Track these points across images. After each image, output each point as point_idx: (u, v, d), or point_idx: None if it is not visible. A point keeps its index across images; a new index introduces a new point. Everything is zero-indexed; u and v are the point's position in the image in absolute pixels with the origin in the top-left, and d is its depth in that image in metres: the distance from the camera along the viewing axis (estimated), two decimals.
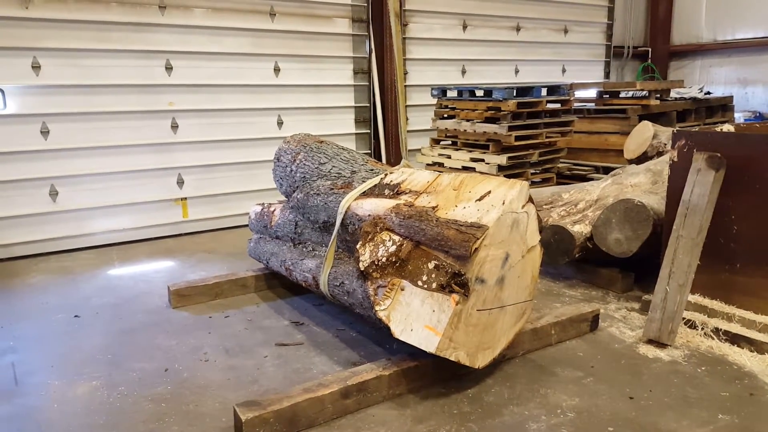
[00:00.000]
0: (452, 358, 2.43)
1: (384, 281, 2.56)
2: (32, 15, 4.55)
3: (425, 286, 2.43)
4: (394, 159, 6.47)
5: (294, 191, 3.57)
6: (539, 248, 2.73)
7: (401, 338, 2.46)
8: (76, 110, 4.83)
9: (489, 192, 2.53)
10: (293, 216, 3.50)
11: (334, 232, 3.02)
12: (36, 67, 4.64)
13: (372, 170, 3.28)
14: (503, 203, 2.45)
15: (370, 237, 2.66)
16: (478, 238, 2.33)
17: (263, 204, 3.94)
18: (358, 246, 2.67)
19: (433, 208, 2.60)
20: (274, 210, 3.76)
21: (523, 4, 7.53)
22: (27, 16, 4.53)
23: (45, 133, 4.74)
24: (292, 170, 3.60)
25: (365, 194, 3.00)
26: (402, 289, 2.50)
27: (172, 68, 5.20)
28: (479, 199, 2.52)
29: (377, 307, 2.53)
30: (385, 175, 3.09)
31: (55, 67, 4.71)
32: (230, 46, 5.45)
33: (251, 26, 5.53)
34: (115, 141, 5.02)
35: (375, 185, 3.04)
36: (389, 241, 2.60)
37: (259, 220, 3.88)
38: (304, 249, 3.40)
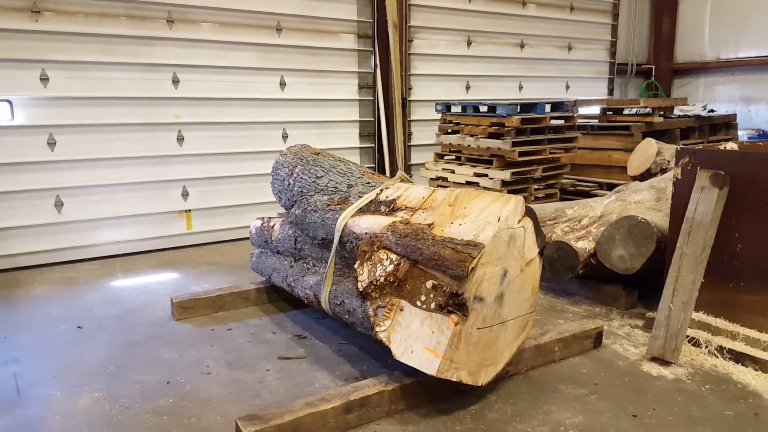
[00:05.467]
0: (454, 379, 2.41)
1: (383, 301, 2.55)
2: (42, 28, 4.61)
3: (424, 306, 2.42)
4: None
5: (293, 205, 3.57)
6: (538, 260, 2.72)
7: (402, 360, 2.45)
8: (83, 122, 4.87)
9: (484, 208, 2.52)
10: (292, 231, 3.50)
11: (332, 251, 3.01)
12: (44, 79, 4.69)
13: (368, 183, 3.27)
14: (498, 219, 2.44)
15: (367, 256, 2.65)
16: (474, 258, 2.32)
17: (263, 218, 3.94)
18: (356, 266, 2.66)
19: (429, 225, 2.58)
20: (274, 225, 3.75)
21: (528, 21, 7.59)
22: (36, 29, 4.59)
23: (52, 144, 4.78)
24: (289, 184, 3.60)
25: (362, 210, 2.99)
26: (401, 310, 2.49)
27: (178, 81, 5.25)
28: (475, 216, 2.51)
29: (377, 328, 2.53)
30: (381, 190, 3.07)
31: (63, 79, 4.76)
32: (237, 60, 5.50)
33: (258, 41, 5.59)
34: (121, 153, 5.05)
35: (371, 201, 3.03)
36: (386, 260, 2.59)
37: (259, 235, 3.88)
38: (305, 265, 3.39)
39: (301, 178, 3.54)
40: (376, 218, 2.84)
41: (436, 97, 6.82)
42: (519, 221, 2.55)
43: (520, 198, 2.55)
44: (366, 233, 2.79)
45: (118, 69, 4.96)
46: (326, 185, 3.40)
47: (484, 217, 2.48)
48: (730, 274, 3.12)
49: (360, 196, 3.11)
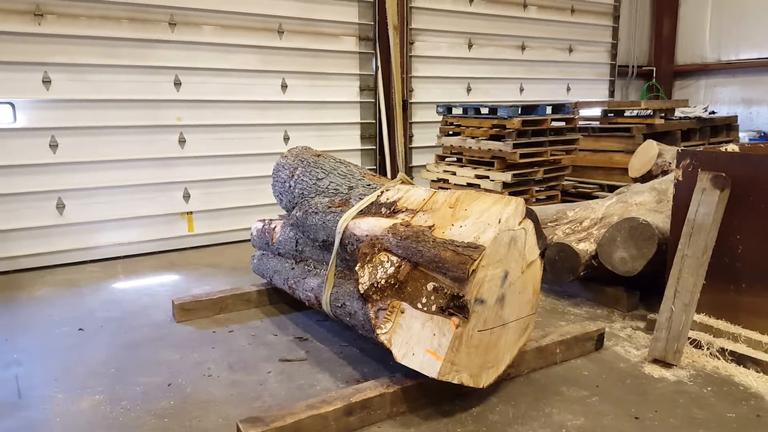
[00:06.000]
0: (455, 381, 2.41)
1: (384, 304, 2.55)
2: (44, 31, 4.62)
3: (425, 308, 2.42)
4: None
5: (294, 207, 3.57)
6: (539, 261, 2.72)
7: (403, 362, 2.45)
8: (85, 124, 4.88)
9: (485, 210, 2.52)
10: (294, 233, 3.50)
11: (333, 253, 3.00)
12: (47, 82, 4.70)
13: (369, 185, 3.26)
14: (499, 221, 2.43)
15: (368, 258, 2.65)
16: (474, 260, 2.31)
17: (264, 220, 3.94)
18: (357, 268, 2.66)
19: (430, 227, 2.58)
20: (275, 227, 3.76)
21: (529, 23, 7.60)
22: (39, 32, 4.60)
23: (54, 146, 4.79)
24: (290, 186, 3.60)
25: (362, 213, 2.98)
26: (402, 312, 2.49)
27: (180, 84, 5.26)
28: (475, 218, 2.50)
29: (378, 331, 2.52)
30: (381, 192, 3.07)
31: (66, 82, 4.78)
32: (238, 62, 5.51)
33: (259, 43, 5.60)
34: (122, 155, 5.06)
35: (372, 203, 3.02)
36: (387, 262, 2.59)
37: (260, 237, 3.88)
38: (306, 267, 3.39)
39: (302, 180, 3.54)
40: (377, 220, 2.84)
41: (437, 99, 6.83)
42: (520, 223, 2.55)
43: (520, 200, 2.55)
44: (367, 235, 2.79)
45: (120, 72, 4.97)
46: (327, 187, 3.40)
47: (485, 219, 2.47)
48: (732, 276, 3.12)
49: (361, 198, 3.11)
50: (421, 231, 2.56)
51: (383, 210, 2.93)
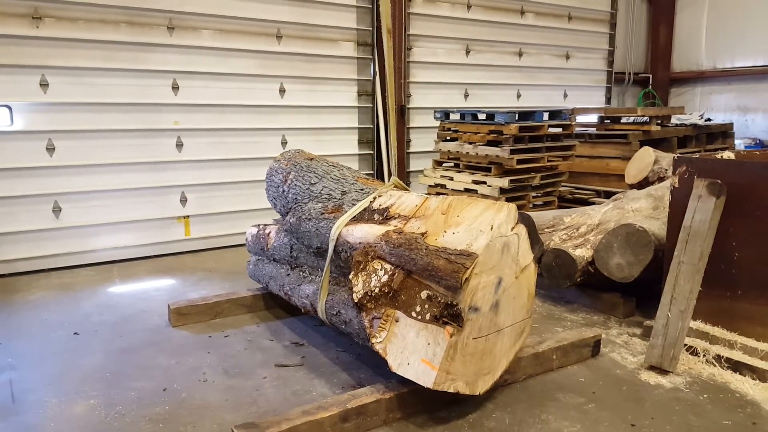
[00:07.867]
0: (451, 390, 2.40)
1: (378, 312, 2.54)
2: (42, 34, 4.62)
3: (419, 317, 2.41)
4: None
5: (288, 212, 3.54)
6: (533, 265, 2.71)
7: (398, 372, 2.44)
8: (83, 128, 4.88)
9: (477, 216, 2.51)
10: (288, 239, 3.48)
11: (327, 261, 2.99)
12: (44, 85, 4.69)
13: (362, 190, 3.25)
14: (491, 228, 2.43)
15: (362, 267, 2.63)
16: (467, 268, 2.30)
17: (259, 226, 3.92)
18: (350, 276, 2.65)
19: (423, 234, 2.56)
20: (270, 232, 3.73)
21: (526, 30, 7.63)
22: (37, 35, 4.60)
23: (50, 149, 4.78)
24: (284, 191, 3.58)
25: (355, 219, 2.97)
26: (396, 321, 2.48)
27: (178, 88, 5.25)
28: (468, 224, 2.50)
29: (373, 340, 2.51)
30: (374, 198, 3.05)
31: (63, 85, 4.77)
32: (236, 67, 5.52)
33: (258, 48, 5.61)
34: (119, 159, 5.05)
35: (365, 209, 3.00)
36: (381, 270, 2.58)
37: (255, 243, 3.86)
38: (301, 273, 3.37)
39: (295, 184, 3.51)
40: (370, 227, 2.83)
41: (435, 104, 6.85)
42: (512, 228, 2.54)
43: (512, 205, 2.55)
44: (360, 243, 2.78)
45: (118, 75, 4.97)
46: (320, 192, 3.37)
47: (477, 225, 2.47)
48: (728, 283, 3.12)
49: (354, 204, 3.10)
50: (413, 238, 2.55)
51: (376, 216, 2.92)
